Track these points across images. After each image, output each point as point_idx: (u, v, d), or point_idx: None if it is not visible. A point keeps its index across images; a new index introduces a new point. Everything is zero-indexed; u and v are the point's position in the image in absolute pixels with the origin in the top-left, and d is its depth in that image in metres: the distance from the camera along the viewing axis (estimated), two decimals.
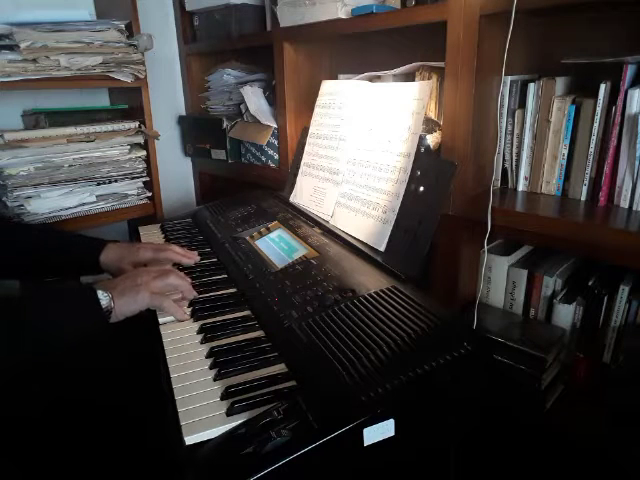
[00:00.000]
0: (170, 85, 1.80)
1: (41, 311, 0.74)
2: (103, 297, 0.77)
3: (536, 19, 1.03)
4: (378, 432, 0.55)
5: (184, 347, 0.74)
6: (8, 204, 1.29)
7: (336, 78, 1.37)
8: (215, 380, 0.66)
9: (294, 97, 1.40)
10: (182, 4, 1.65)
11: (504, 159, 1.07)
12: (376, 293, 0.77)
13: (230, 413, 0.59)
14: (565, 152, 0.97)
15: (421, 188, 0.89)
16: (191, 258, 1.01)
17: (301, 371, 0.65)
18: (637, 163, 0.87)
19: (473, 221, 0.98)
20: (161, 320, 0.81)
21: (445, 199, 0.95)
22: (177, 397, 0.63)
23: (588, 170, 0.94)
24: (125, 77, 1.41)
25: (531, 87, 0.98)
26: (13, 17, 1.24)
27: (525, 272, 1.03)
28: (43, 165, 1.32)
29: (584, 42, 1.00)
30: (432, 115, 1.10)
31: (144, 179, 1.53)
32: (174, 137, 1.83)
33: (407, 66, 1.14)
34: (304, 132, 1.27)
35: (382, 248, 0.93)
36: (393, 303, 0.74)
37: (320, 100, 1.21)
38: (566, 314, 0.98)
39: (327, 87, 1.21)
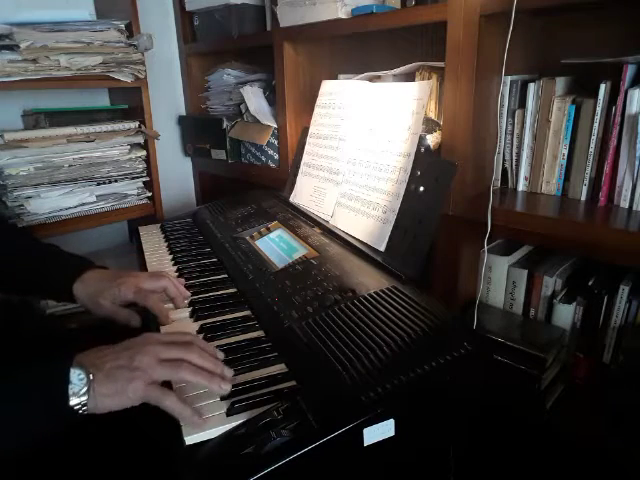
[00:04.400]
0: (170, 85, 1.80)
1: None
2: (78, 381, 0.57)
3: (536, 19, 1.04)
4: (378, 432, 0.55)
5: None
6: (8, 204, 1.29)
7: (336, 78, 1.37)
8: None
9: (294, 97, 1.40)
10: (182, 4, 1.65)
11: (504, 159, 1.07)
12: (376, 293, 0.77)
13: (230, 413, 0.59)
14: (565, 152, 0.97)
15: (421, 188, 0.89)
16: (182, 297, 0.85)
17: (301, 371, 0.65)
18: (637, 163, 0.87)
19: (473, 221, 0.98)
20: (163, 329, 0.80)
21: (445, 199, 0.95)
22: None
23: (588, 170, 0.94)
24: (125, 77, 1.41)
25: (531, 87, 0.98)
26: (13, 17, 1.24)
27: (525, 272, 1.03)
28: (43, 165, 1.32)
29: (584, 42, 1.00)
30: (432, 115, 1.11)
31: (144, 179, 1.53)
32: (174, 137, 1.83)
33: (407, 66, 1.14)
34: (304, 132, 1.27)
35: (382, 248, 0.93)
36: (393, 303, 0.74)
37: (320, 100, 1.21)
38: (566, 314, 0.98)
39: (327, 87, 1.21)
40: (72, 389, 0.57)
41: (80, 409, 0.57)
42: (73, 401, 0.57)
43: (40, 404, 0.57)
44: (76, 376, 0.57)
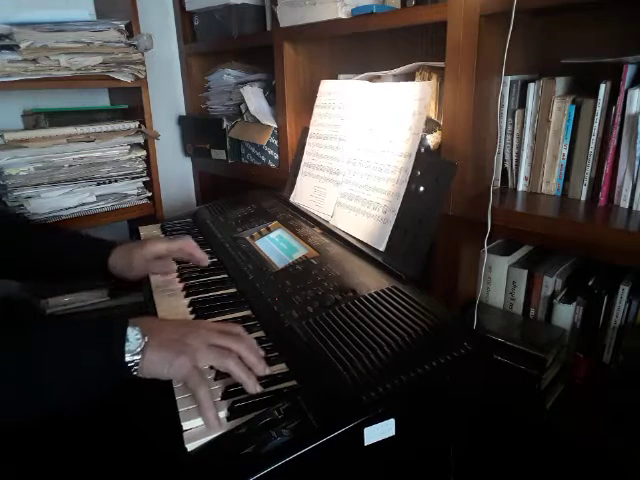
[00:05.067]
0: (170, 85, 1.80)
1: (48, 351, 0.58)
2: (134, 340, 0.59)
3: (536, 19, 1.04)
4: (378, 432, 0.55)
5: None
6: (8, 204, 1.29)
7: (336, 78, 1.37)
8: (216, 379, 0.66)
9: (294, 97, 1.40)
10: (182, 4, 1.65)
11: (504, 159, 1.07)
12: (376, 293, 0.77)
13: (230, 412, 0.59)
14: (565, 152, 0.97)
15: (421, 188, 0.89)
16: (202, 259, 0.97)
17: (301, 371, 0.65)
18: (637, 163, 0.87)
19: (473, 221, 0.98)
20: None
21: (445, 199, 0.95)
22: (177, 397, 0.62)
23: (588, 170, 0.94)
24: (125, 77, 1.41)
25: (531, 87, 0.98)
26: (13, 17, 1.24)
27: (525, 272, 1.03)
28: (43, 165, 1.32)
29: (584, 42, 1.01)
30: (432, 115, 1.11)
31: (144, 179, 1.53)
32: (174, 137, 1.83)
33: (407, 66, 1.14)
34: (304, 132, 1.27)
35: (382, 248, 0.93)
36: (393, 303, 0.74)
37: (320, 100, 1.21)
38: (566, 314, 0.98)
39: (327, 87, 1.21)
40: (128, 346, 0.59)
41: (132, 367, 0.59)
42: (127, 358, 0.58)
43: (98, 356, 0.59)
44: (133, 335, 0.59)
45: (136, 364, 0.59)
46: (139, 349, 0.59)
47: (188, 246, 0.96)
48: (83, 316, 1.31)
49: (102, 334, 0.61)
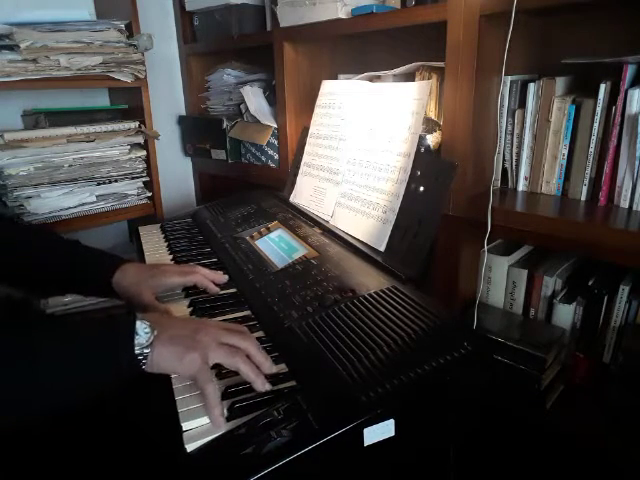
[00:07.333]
0: (170, 85, 1.80)
1: (55, 348, 0.57)
2: (143, 333, 0.59)
3: (536, 19, 1.04)
4: (378, 432, 0.55)
5: None
6: (8, 204, 1.29)
7: (336, 78, 1.37)
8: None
9: (294, 97, 1.40)
10: (182, 4, 1.65)
11: (504, 159, 1.07)
12: (376, 293, 0.77)
13: (230, 413, 0.59)
14: (565, 152, 0.97)
15: (421, 188, 0.89)
16: (219, 281, 0.90)
17: (301, 371, 0.65)
18: (637, 163, 0.87)
19: (473, 221, 0.98)
20: None
21: (445, 199, 0.95)
22: (177, 397, 0.62)
23: (588, 170, 0.94)
24: (125, 77, 1.41)
25: (531, 87, 0.98)
26: (13, 17, 1.24)
27: (525, 272, 1.03)
28: (43, 165, 1.32)
29: (584, 42, 1.01)
30: (432, 115, 1.10)
31: (144, 179, 1.53)
32: (174, 137, 1.83)
33: (407, 66, 1.14)
34: (304, 132, 1.27)
35: (382, 248, 0.93)
36: (393, 303, 0.74)
37: (320, 100, 1.21)
38: (566, 314, 0.98)
39: (327, 87, 1.21)
40: (138, 339, 0.58)
41: (142, 361, 0.58)
42: (137, 350, 0.58)
43: (107, 351, 0.58)
44: (142, 329, 0.59)
45: (145, 357, 0.58)
46: (148, 342, 0.59)
47: (202, 282, 0.88)
48: (84, 316, 1.31)
49: (110, 328, 0.60)
